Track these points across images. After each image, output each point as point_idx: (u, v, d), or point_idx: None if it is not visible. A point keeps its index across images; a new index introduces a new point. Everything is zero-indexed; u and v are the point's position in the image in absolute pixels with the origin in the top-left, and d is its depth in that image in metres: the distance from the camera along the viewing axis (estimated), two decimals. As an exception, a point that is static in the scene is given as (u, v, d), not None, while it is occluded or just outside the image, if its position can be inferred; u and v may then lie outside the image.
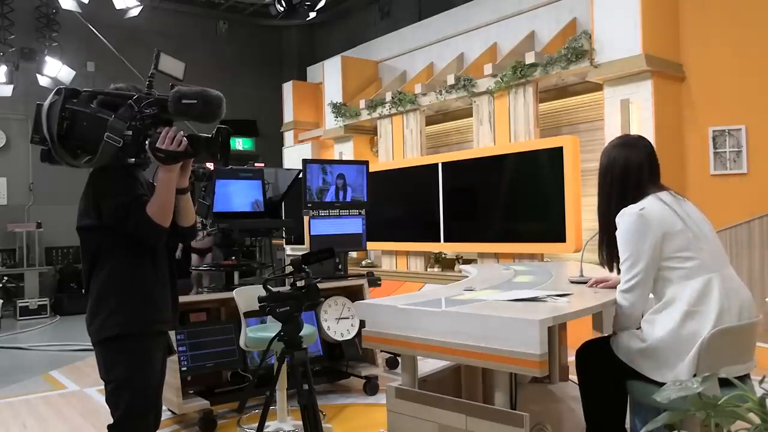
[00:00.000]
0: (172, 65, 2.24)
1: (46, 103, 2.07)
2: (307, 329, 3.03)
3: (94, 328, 2.15)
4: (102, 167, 2.10)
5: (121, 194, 2.09)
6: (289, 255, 8.99)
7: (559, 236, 6.03)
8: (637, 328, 2.31)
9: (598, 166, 2.53)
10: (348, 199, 5.18)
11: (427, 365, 2.74)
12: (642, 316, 2.30)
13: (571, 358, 3.77)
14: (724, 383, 1.59)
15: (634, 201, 2.33)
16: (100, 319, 2.12)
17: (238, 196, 4.42)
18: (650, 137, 5.58)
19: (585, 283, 2.86)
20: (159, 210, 2.08)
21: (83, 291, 2.24)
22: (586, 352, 2.48)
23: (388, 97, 8.25)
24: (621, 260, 2.32)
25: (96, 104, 2.11)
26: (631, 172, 2.37)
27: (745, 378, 2.13)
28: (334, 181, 5.12)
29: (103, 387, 2.19)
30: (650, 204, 2.28)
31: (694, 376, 2.06)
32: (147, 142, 2.06)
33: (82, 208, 2.18)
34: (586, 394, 2.45)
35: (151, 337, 2.19)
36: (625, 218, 2.29)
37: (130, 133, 2.05)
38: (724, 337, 2.09)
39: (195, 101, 2.02)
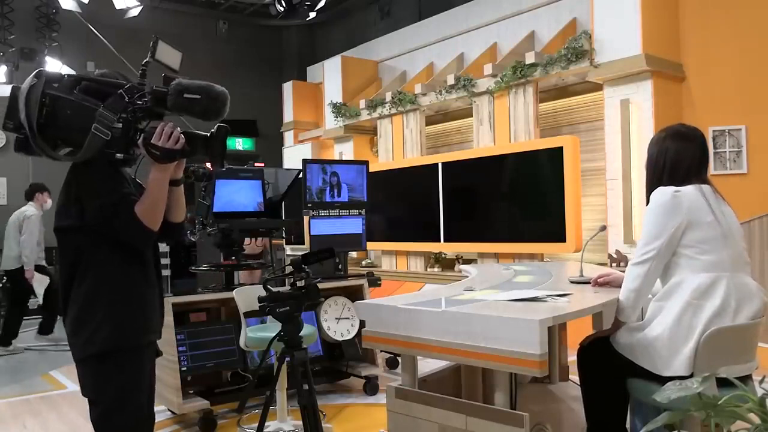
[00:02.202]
0: (169, 54, 2.05)
1: (25, 87, 1.86)
2: (307, 329, 3.03)
3: (79, 343, 1.93)
4: (86, 161, 1.90)
5: (107, 193, 1.90)
6: (289, 255, 9.00)
7: (559, 236, 6.03)
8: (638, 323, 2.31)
9: (647, 153, 2.46)
10: (342, 197, 5.18)
11: (427, 365, 2.74)
12: (643, 305, 2.31)
13: (572, 358, 3.77)
14: (725, 383, 1.59)
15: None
16: (87, 332, 1.91)
17: (238, 196, 4.42)
18: (650, 137, 5.58)
19: (585, 283, 2.85)
20: (149, 211, 1.91)
21: (62, 304, 2.00)
22: (587, 350, 2.48)
23: (388, 97, 8.25)
24: (642, 234, 2.29)
25: (79, 91, 1.91)
26: (681, 165, 2.32)
27: (746, 378, 2.12)
28: (329, 179, 5.13)
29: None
30: (688, 190, 2.25)
31: (692, 374, 2.06)
32: (141, 138, 1.90)
33: (61, 206, 1.98)
34: (587, 393, 2.45)
35: (144, 349, 2.01)
36: (658, 195, 2.26)
37: (119, 125, 1.87)
38: (722, 336, 2.08)
39: (199, 96, 1.87)
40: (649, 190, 2.38)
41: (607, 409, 2.40)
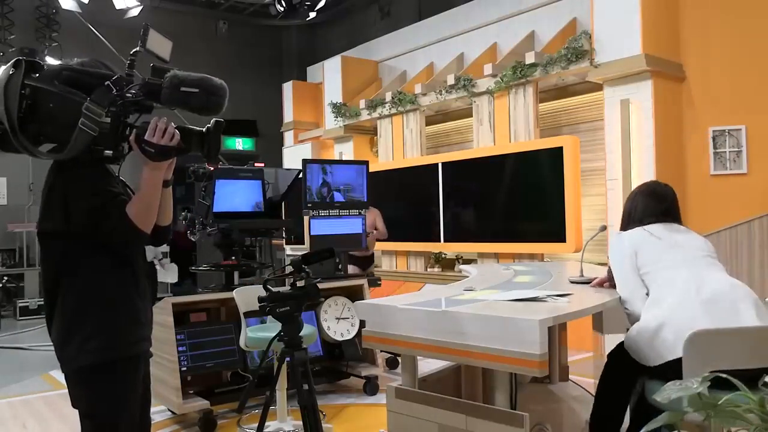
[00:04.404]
0: (159, 44, 1.91)
1: (2, 77, 1.71)
2: (307, 329, 3.03)
3: (69, 354, 1.81)
4: (71, 159, 1.75)
5: (96, 194, 1.77)
6: (289, 255, 8.99)
7: (559, 236, 6.03)
8: None
9: (623, 206, 2.85)
10: (335, 198, 5.18)
11: (427, 365, 2.74)
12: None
13: (572, 358, 3.77)
14: (726, 384, 1.58)
15: None
16: (77, 343, 1.80)
17: (238, 196, 4.42)
18: (650, 137, 5.59)
19: (585, 283, 2.86)
20: (142, 213, 1.78)
21: (45, 313, 1.88)
22: (617, 352, 2.55)
23: (388, 97, 8.25)
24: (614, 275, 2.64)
25: (61, 82, 1.76)
26: (645, 217, 2.65)
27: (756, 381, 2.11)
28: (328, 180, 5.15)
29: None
30: (630, 230, 2.63)
31: (668, 361, 2.16)
32: (132, 134, 1.77)
33: (45, 208, 1.83)
34: (600, 396, 2.51)
35: (138, 358, 1.91)
36: (611, 243, 2.73)
37: (108, 120, 1.73)
38: (708, 338, 2.06)
39: (196, 90, 1.74)
40: (623, 228, 2.74)
41: (612, 416, 2.44)
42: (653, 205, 2.65)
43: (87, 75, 1.80)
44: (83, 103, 1.71)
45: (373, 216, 6.17)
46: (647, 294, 2.43)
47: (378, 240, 6.24)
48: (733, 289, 2.29)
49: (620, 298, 2.52)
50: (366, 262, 6.16)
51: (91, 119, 1.71)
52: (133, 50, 1.87)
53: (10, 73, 1.71)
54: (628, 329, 2.44)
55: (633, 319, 2.44)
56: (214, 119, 1.84)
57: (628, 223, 2.72)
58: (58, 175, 1.82)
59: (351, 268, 5.89)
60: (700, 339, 2.03)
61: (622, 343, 2.52)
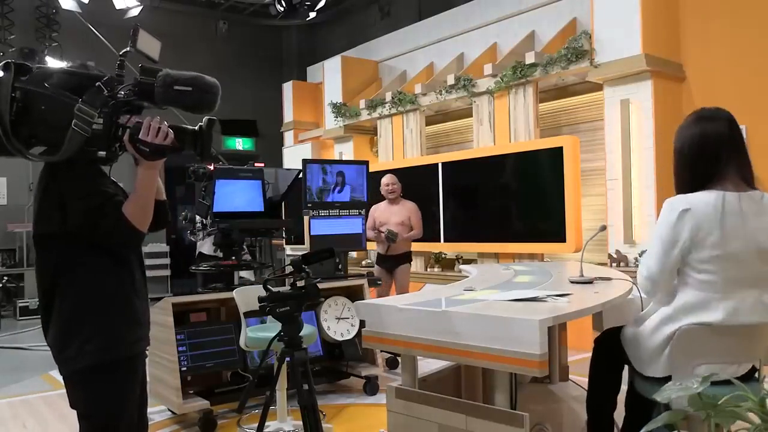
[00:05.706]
0: (149, 44, 1.91)
1: None
2: (307, 329, 3.03)
3: (68, 356, 1.82)
4: (65, 161, 1.75)
5: (92, 194, 1.78)
6: (289, 255, 8.99)
7: (559, 236, 6.03)
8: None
9: (673, 144, 2.31)
10: (344, 196, 5.18)
11: (427, 365, 2.74)
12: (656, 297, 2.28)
13: (572, 358, 3.77)
14: (725, 383, 1.59)
15: (704, 185, 2.10)
16: (76, 344, 1.80)
17: (238, 196, 4.42)
18: (650, 137, 5.59)
19: (585, 283, 2.86)
20: (139, 212, 1.80)
21: (41, 315, 1.88)
22: (604, 338, 2.51)
23: (388, 97, 8.25)
24: (652, 244, 2.17)
25: (51, 84, 1.75)
26: (707, 148, 2.12)
27: (748, 378, 2.11)
28: (334, 178, 5.14)
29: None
30: (700, 205, 2.04)
31: (670, 377, 2.09)
32: (126, 134, 1.78)
33: (41, 211, 1.83)
34: (591, 380, 2.48)
35: (136, 358, 1.92)
36: (666, 212, 2.10)
37: (101, 121, 1.74)
38: (696, 334, 2.06)
39: (190, 88, 1.76)
40: (679, 178, 2.23)
41: (605, 399, 2.43)
42: (709, 130, 2.12)
43: (78, 77, 1.80)
44: (75, 105, 1.71)
45: (408, 212, 5.70)
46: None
47: (413, 240, 5.74)
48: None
49: (641, 278, 2.21)
50: (397, 262, 5.60)
51: (84, 120, 1.70)
52: (123, 50, 1.88)
53: (0, 75, 1.70)
54: (635, 318, 2.38)
55: (644, 304, 2.31)
56: (207, 117, 1.85)
57: (682, 161, 2.18)
58: (52, 177, 1.82)
59: (377, 270, 5.62)
60: (687, 336, 2.04)
61: (608, 330, 2.51)
